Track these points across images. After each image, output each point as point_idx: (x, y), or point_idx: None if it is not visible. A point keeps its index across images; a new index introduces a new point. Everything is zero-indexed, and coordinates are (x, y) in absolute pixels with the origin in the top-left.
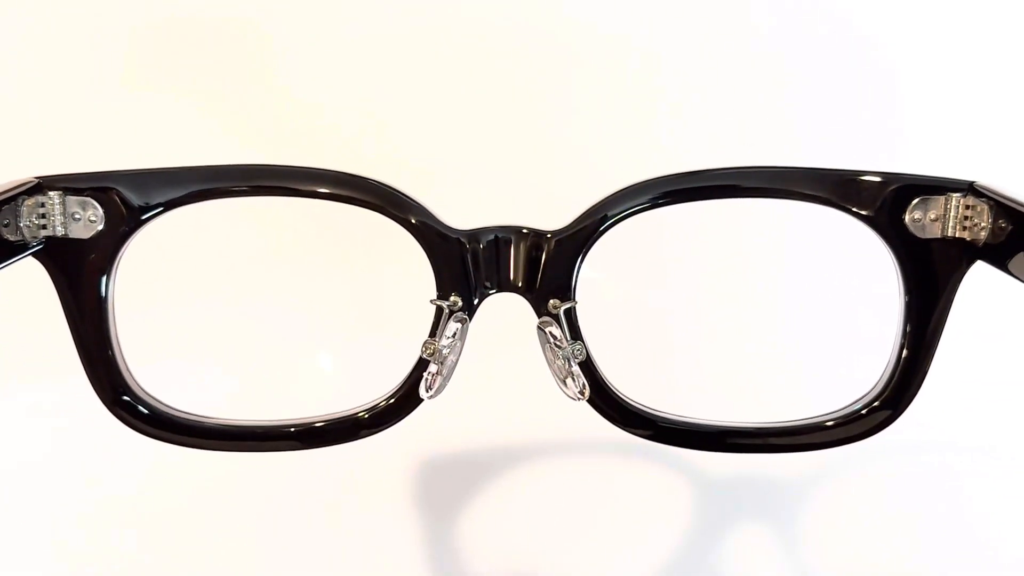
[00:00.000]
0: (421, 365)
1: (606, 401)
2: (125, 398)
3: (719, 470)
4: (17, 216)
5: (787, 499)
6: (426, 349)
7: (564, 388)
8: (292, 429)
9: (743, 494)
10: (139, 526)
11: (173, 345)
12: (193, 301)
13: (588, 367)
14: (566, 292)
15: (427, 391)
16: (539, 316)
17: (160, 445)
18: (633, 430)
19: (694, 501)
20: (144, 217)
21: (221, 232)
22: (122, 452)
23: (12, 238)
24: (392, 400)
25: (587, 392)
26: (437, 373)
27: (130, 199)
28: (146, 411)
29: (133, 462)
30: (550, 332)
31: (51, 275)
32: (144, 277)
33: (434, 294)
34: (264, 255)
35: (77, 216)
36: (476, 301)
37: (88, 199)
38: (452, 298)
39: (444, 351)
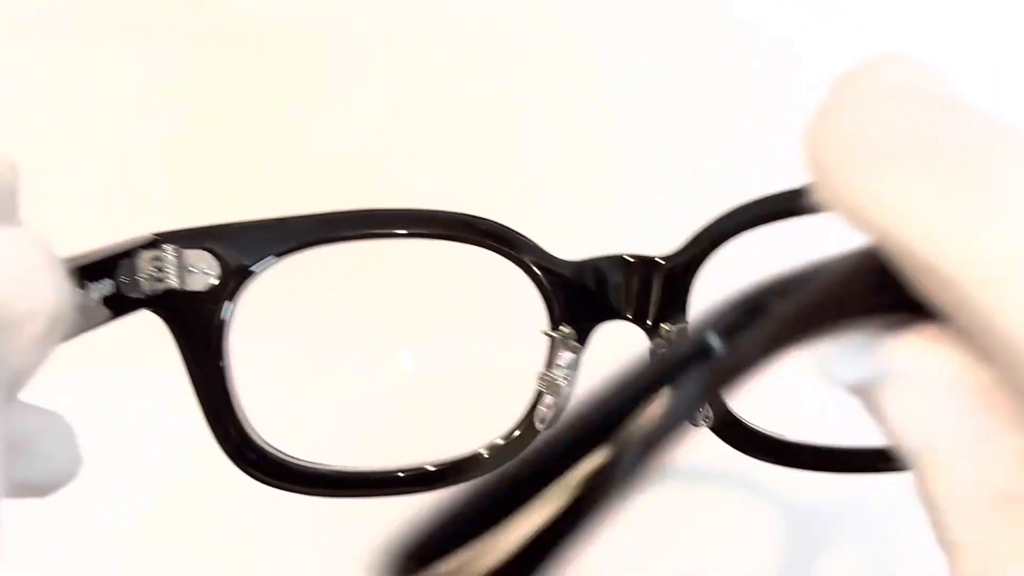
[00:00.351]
0: (538, 398)
1: (730, 427)
2: (248, 452)
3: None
4: (135, 271)
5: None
6: (542, 381)
7: None
8: (408, 475)
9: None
10: (140, 526)
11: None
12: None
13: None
14: (679, 316)
15: (541, 423)
16: (651, 340)
17: (160, 445)
18: (758, 456)
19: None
20: (256, 268)
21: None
22: (122, 453)
23: (131, 293)
24: (514, 437)
25: (711, 419)
26: (553, 405)
27: (243, 251)
28: (267, 462)
29: (133, 462)
30: None
31: (170, 329)
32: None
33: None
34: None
35: (192, 269)
36: (588, 331)
37: (203, 252)
38: (563, 328)
39: (559, 382)
